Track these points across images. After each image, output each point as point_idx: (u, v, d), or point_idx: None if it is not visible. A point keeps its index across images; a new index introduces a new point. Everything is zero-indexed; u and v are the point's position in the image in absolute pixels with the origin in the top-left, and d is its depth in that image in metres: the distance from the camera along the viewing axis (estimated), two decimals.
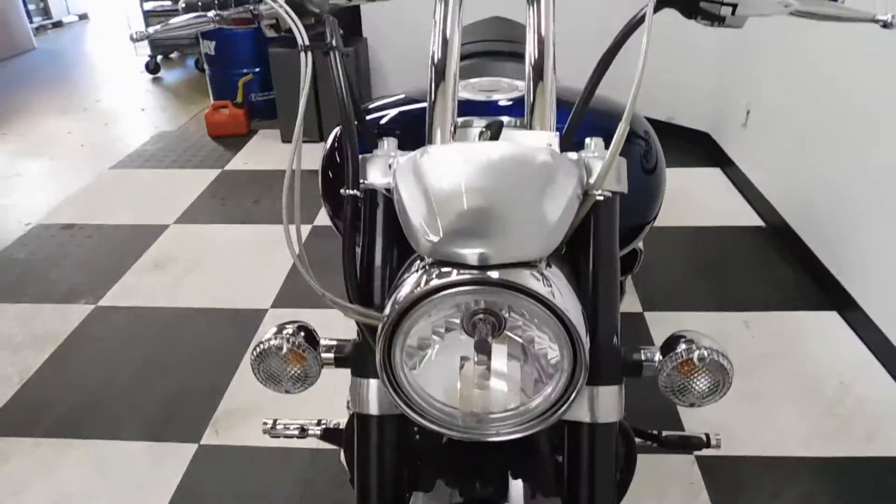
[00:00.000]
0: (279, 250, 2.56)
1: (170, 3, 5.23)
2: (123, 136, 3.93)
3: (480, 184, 0.64)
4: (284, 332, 0.76)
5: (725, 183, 3.03)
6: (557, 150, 0.75)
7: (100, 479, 1.60)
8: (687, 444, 0.96)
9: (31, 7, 6.95)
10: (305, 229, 2.65)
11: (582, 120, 0.85)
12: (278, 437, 1.00)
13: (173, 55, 5.73)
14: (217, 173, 3.31)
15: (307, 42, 0.80)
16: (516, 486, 0.79)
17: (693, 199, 2.88)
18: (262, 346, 0.75)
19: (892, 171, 1.86)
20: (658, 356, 0.75)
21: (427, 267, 0.63)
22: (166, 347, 2.06)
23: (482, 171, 0.66)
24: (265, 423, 0.99)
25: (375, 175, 0.75)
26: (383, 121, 1.03)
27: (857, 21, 0.91)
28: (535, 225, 0.63)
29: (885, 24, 0.89)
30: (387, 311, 0.64)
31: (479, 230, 0.61)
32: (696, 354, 0.71)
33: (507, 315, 0.65)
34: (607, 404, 0.73)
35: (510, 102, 0.97)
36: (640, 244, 1.28)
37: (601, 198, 0.71)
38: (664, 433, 0.96)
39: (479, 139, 0.72)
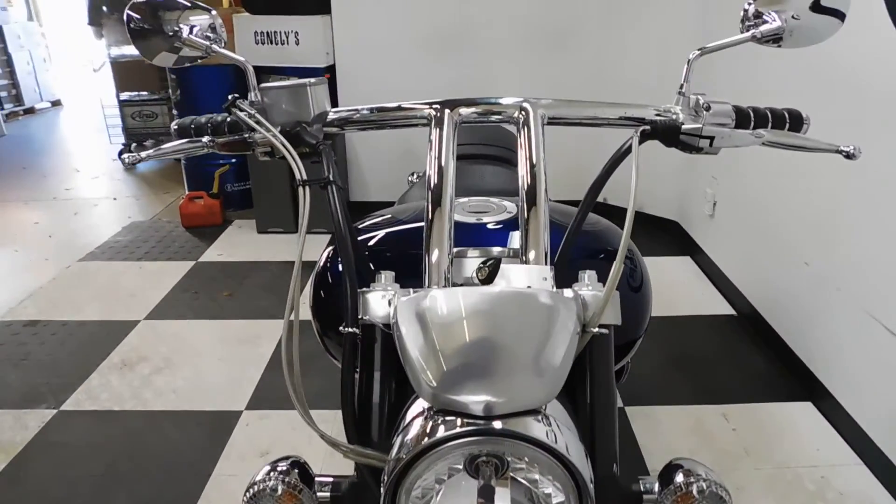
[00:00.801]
0: (253, 347, 2.52)
1: (146, 93, 5.31)
2: (94, 227, 3.88)
3: (483, 332, 0.65)
4: (278, 469, 0.74)
5: (696, 271, 3.11)
6: (553, 283, 0.77)
7: None
8: None
9: (3, 94, 6.99)
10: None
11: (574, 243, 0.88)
12: None
13: (147, 143, 5.78)
14: (191, 265, 3.27)
15: (305, 177, 0.82)
16: None
17: (665, 287, 2.94)
18: (255, 487, 0.73)
19: (857, 262, 1.94)
20: (657, 486, 0.76)
21: (431, 414, 0.63)
22: (133, 455, 1.96)
23: (485, 320, 0.67)
24: None
25: (375, 311, 0.75)
26: (377, 246, 1.04)
27: (823, 151, 0.97)
28: (538, 372, 0.63)
29: (848, 155, 0.95)
30: (391, 456, 0.63)
31: (483, 379, 0.61)
32: (695, 487, 0.72)
33: (510, 458, 0.65)
34: None
35: (501, 226, 1.00)
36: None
37: (597, 332, 0.73)
38: None
39: (477, 275, 0.73)
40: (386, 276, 0.78)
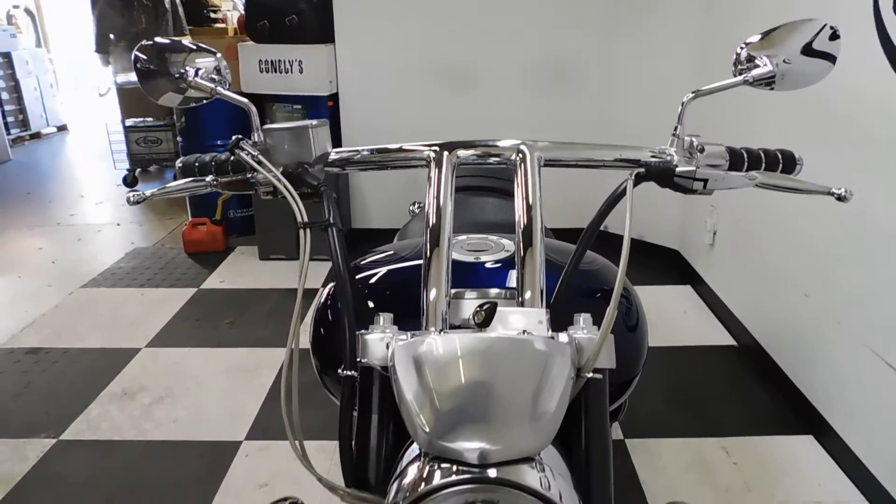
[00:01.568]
0: (253, 376, 2.52)
1: (151, 119, 5.38)
2: (97, 253, 3.91)
3: (478, 379, 0.66)
4: None
5: (696, 301, 3.11)
6: (548, 326, 0.78)
7: None
8: None
9: (10, 119, 7.08)
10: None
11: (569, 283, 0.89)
12: None
13: (151, 168, 5.83)
14: (192, 292, 3.28)
15: (306, 219, 0.84)
16: None
17: (665, 317, 2.94)
18: None
19: (857, 296, 1.94)
20: None
21: (427, 460, 0.64)
22: (132, 485, 1.95)
23: (480, 367, 0.68)
24: None
25: (373, 354, 0.76)
26: (377, 284, 1.05)
27: (815, 193, 0.99)
28: (533, 419, 0.64)
29: (840, 198, 0.97)
30: (387, 501, 0.64)
31: (478, 427, 0.62)
32: None
33: None
34: None
35: (499, 265, 1.01)
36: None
37: (592, 377, 0.74)
38: None
39: (474, 319, 0.74)
40: (384, 318, 0.79)
